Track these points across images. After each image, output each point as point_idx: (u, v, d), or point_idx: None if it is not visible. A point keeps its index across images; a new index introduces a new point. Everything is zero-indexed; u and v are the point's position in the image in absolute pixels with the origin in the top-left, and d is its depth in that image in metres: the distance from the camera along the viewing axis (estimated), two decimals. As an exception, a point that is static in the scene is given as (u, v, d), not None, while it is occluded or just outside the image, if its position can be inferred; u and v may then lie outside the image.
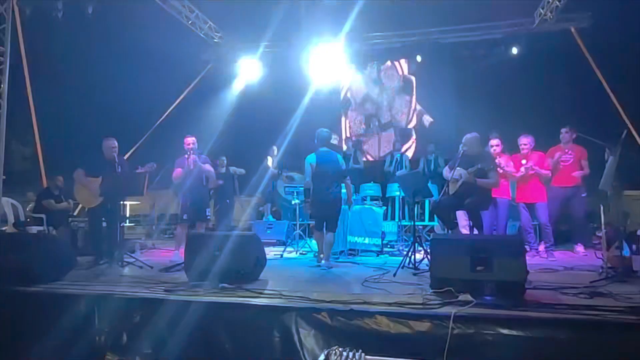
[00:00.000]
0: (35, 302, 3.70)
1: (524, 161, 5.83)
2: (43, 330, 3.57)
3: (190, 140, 5.80)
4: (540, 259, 5.58)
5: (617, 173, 4.22)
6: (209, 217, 6.08)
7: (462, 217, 5.75)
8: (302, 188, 6.28)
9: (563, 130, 6.09)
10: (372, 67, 11.27)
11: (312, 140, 5.54)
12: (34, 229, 6.75)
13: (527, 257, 3.52)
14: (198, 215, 5.84)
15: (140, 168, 5.55)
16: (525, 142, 5.90)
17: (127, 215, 9.69)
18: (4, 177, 6.82)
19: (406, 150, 10.47)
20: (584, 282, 3.83)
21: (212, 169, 5.97)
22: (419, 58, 10.12)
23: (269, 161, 8.37)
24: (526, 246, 5.74)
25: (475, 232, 4.95)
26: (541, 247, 5.88)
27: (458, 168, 4.96)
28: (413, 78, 11.09)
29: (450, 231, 5.15)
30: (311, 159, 5.34)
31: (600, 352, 2.70)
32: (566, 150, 6.01)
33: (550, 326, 2.80)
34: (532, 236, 5.93)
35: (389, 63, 11.10)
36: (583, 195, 6.13)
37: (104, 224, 5.58)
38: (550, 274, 4.47)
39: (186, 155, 5.70)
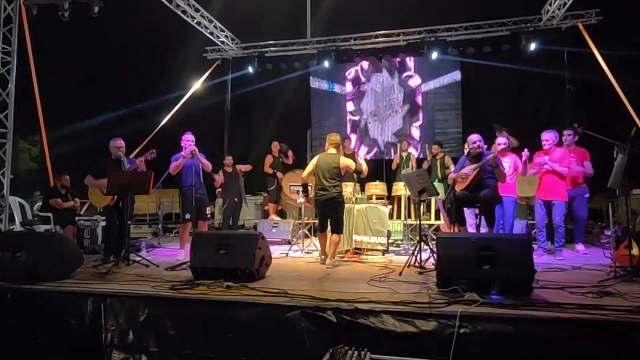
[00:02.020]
0: (43, 301, 3.71)
1: (546, 158, 5.75)
2: (49, 329, 3.60)
3: (189, 137, 5.85)
4: (548, 258, 5.53)
5: (626, 171, 4.18)
6: (208, 216, 6.10)
7: (468, 216, 5.71)
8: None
9: (566, 132, 6.06)
10: (377, 65, 11.24)
11: (315, 138, 5.62)
12: (41, 228, 6.80)
13: (534, 256, 3.48)
14: (199, 214, 5.87)
15: (141, 157, 5.59)
16: (547, 137, 5.75)
17: (134, 214, 9.72)
18: (12, 176, 6.87)
19: (412, 149, 10.43)
20: (592, 282, 3.79)
21: (209, 163, 5.99)
22: (424, 55, 10.07)
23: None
24: (534, 245, 5.71)
25: (483, 230, 4.92)
26: (551, 247, 5.83)
27: (469, 165, 4.97)
28: (418, 76, 11.04)
29: (460, 229, 5.12)
30: (314, 159, 5.52)
31: (609, 352, 2.67)
32: (569, 153, 5.98)
33: (558, 326, 2.78)
34: (544, 235, 5.86)
35: (393, 61, 11.06)
36: (586, 195, 6.09)
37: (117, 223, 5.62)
38: (558, 273, 4.43)
39: (183, 154, 5.74)
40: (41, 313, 3.65)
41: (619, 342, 2.68)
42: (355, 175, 7.15)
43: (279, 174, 8.73)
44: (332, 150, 5.45)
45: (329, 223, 5.43)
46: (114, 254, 5.40)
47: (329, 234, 5.43)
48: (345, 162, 5.34)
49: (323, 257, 5.41)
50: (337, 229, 5.34)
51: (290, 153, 9.12)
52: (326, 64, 10.55)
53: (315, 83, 11.56)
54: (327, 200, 5.28)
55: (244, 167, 8.04)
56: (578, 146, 6.17)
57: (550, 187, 5.68)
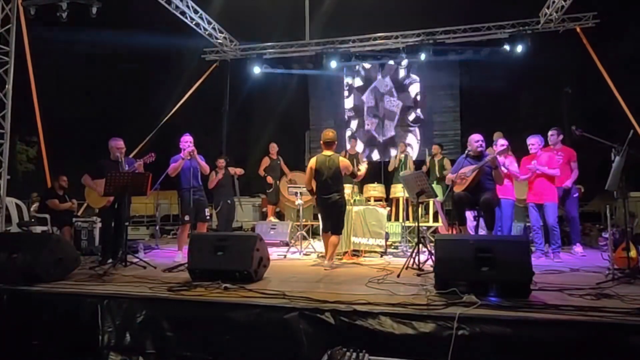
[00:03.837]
0: (39, 302, 3.70)
1: (533, 162, 5.78)
2: (46, 330, 3.58)
3: (188, 138, 5.84)
4: (546, 260, 5.54)
5: (623, 174, 4.18)
6: (208, 218, 6.09)
7: (468, 218, 5.71)
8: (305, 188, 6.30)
9: (549, 133, 6.10)
10: (376, 67, 11.26)
11: (313, 140, 5.53)
12: (38, 229, 6.78)
13: (532, 258, 3.48)
14: (198, 216, 5.85)
15: (139, 160, 5.57)
16: (532, 142, 5.86)
17: (131, 215, 9.70)
18: (9, 177, 6.85)
19: (410, 150, 10.43)
20: (590, 284, 3.79)
21: (207, 165, 5.98)
22: (422, 57, 10.10)
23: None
24: (532, 247, 5.72)
25: (482, 232, 4.92)
26: (548, 249, 5.84)
27: (467, 166, 4.98)
28: (417, 78, 11.07)
29: (460, 229, 5.12)
30: (312, 162, 5.38)
31: (607, 354, 2.67)
32: (556, 152, 6.01)
33: (556, 328, 2.78)
34: (540, 237, 5.87)
35: (392, 63, 11.08)
36: (575, 195, 6.13)
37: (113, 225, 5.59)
38: (556, 275, 4.43)
39: (182, 155, 5.72)
40: (38, 314, 3.63)
41: (616, 344, 2.68)
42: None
43: (269, 179, 8.65)
44: (328, 152, 5.34)
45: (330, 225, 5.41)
46: (111, 256, 5.38)
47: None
48: (344, 163, 5.32)
49: (327, 262, 5.26)
50: (337, 230, 5.33)
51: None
52: (325, 65, 10.56)
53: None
54: (328, 204, 5.27)
55: (237, 170, 8.02)
56: (565, 146, 6.21)
57: (541, 189, 5.75)
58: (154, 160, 5.63)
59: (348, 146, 9.18)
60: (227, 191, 7.61)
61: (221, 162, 7.70)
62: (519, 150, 6.20)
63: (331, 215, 5.35)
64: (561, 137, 6.16)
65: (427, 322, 2.88)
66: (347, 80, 11.53)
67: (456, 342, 2.73)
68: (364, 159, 8.01)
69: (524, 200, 7.06)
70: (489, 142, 6.45)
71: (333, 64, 10.53)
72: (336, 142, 5.46)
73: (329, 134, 5.39)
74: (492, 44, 9.81)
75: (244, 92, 11.43)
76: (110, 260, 5.23)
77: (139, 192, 5.23)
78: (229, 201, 7.58)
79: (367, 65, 11.25)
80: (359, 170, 5.68)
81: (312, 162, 5.38)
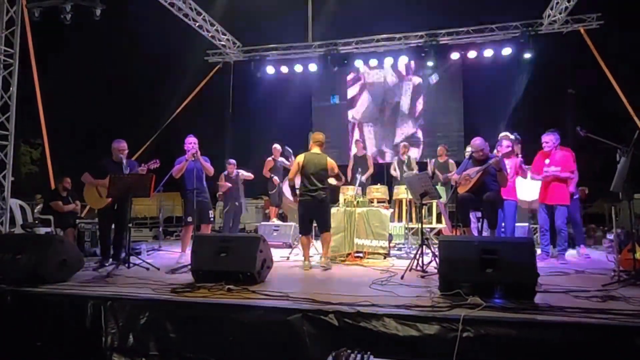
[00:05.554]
0: (43, 303, 3.70)
1: (547, 161, 5.71)
2: (50, 331, 3.58)
3: (192, 140, 5.83)
4: (551, 262, 5.51)
5: (628, 175, 4.16)
6: (212, 219, 6.08)
7: (471, 219, 5.69)
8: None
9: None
10: (379, 69, 11.25)
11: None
12: (42, 230, 6.79)
13: (537, 260, 3.46)
14: (202, 218, 5.84)
15: (143, 165, 5.56)
16: (547, 139, 5.70)
17: (134, 217, 9.72)
18: (13, 179, 6.86)
19: (413, 151, 10.41)
20: (596, 286, 3.77)
21: (211, 167, 5.98)
22: (428, 62, 10.09)
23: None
24: (537, 248, 5.68)
25: (486, 233, 4.90)
26: (553, 251, 5.80)
27: (470, 168, 4.96)
28: (420, 79, 11.05)
29: (464, 230, 5.10)
30: (299, 158, 5.42)
31: (613, 356, 2.64)
32: (571, 155, 5.95)
33: (562, 330, 2.75)
34: (547, 239, 5.82)
35: (396, 64, 11.07)
36: (576, 197, 6.08)
37: (113, 226, 5.57)
38: (561, 277, 4.41)
39: (186, 157, 5.73)
40: (41, 316, 3.63)
41: (623, 346, 2.65)
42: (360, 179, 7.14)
43: (275, 180, 8.64)
44: (317, 150, 5.37)
45: (313, 226, 5.43)
46: (112, 257, 5.37)
47: (312, 239, 5.47)
48: (332, 163, 5.37)
49: (307, 262, 5.24)
50: (325, 227, 5.31)
51: (292, 159, 8.96)
52: (328, 67, 10.57)
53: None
54: (313, 203, 5.23)
55: (246, 175, 8.01)
56: (563, 147, 6.16)
57: (554, 191, 5.64)
58: (158, 166, 5.61)
59: (355, 149, 9.14)
60: (236, 193, 7.62)
61: (232, 168, 7.72)
62: (522, 151, 6.17)
63: (314, 215, 5.33)
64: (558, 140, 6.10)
65: (431, 324, 2.86)
66: (350, 81, 11.52)
67: (461, 344, 2.71)
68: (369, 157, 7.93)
69: (527, 202, 7.03)
70: (493, 142, 6.43)
71: (336, 65, 10.54)
72: (322, 143, 5.52)
73: (319, 135, 5.52)
74: (495, 45, 9.80)
75: (247, 94, 11.45)
76: (110, 261, 5.22)
77: (142, 193, 5.23)
78: (236, 203, 7.59)
79: (370, 67, 11.24)
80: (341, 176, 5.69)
81: (299, 158, 5.41)
